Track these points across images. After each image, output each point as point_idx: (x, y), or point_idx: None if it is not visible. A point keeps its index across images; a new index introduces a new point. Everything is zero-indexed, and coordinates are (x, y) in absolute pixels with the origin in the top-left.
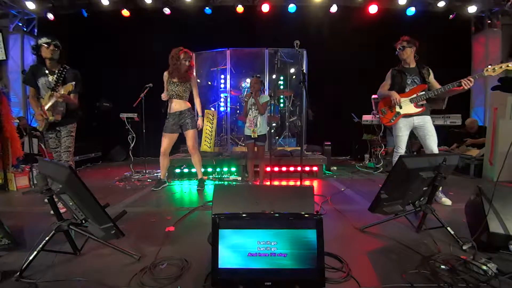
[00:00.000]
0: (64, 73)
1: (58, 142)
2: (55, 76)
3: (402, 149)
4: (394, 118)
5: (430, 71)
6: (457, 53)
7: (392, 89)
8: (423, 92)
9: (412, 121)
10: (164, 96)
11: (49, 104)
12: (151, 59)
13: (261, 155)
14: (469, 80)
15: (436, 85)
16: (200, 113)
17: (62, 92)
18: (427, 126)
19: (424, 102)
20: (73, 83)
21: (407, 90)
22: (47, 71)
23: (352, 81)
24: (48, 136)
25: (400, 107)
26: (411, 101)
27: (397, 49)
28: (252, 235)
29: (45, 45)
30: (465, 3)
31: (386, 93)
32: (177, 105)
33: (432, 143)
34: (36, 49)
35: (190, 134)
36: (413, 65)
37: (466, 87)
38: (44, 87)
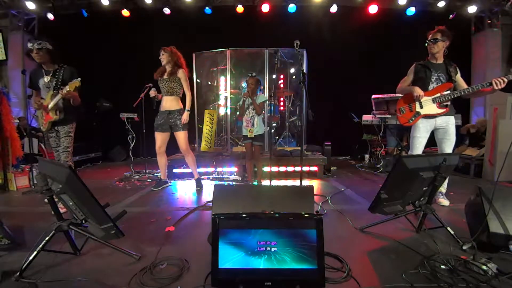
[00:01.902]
0: (61, 71)
1: (59, 141)
2: (50, 75)
3: (417, 152)
4: (413, 119)
5: (458, 69)
6: (457, 53)
7: (414, 85)
8: (448, 92)
9: (434, 122)
10: (152, 93)
11: (52, 103)
12: (151, 59)
13: (258, 155)
14: (502, 79)
15: (463, 84)
16: (187, 107)
17: (68, 89)
18: (449, 128)
19: (449, 102)
20: (79, 79)
21: (430, 88)
22: (44, 72)
23: (352, 81)
24: (49, 135)
25: (421, 106)
26: (433, 100)
27: (428, 41)
28: (252, 235)
29: (31, 51)
30: (465, 3)
31: (408, 88)
32: (167, 103)
33: (447, 148)
34: (29, 54)
35: (180, 136)
36: (440, 60)
37: (497, 87)
38: (43, 88)
